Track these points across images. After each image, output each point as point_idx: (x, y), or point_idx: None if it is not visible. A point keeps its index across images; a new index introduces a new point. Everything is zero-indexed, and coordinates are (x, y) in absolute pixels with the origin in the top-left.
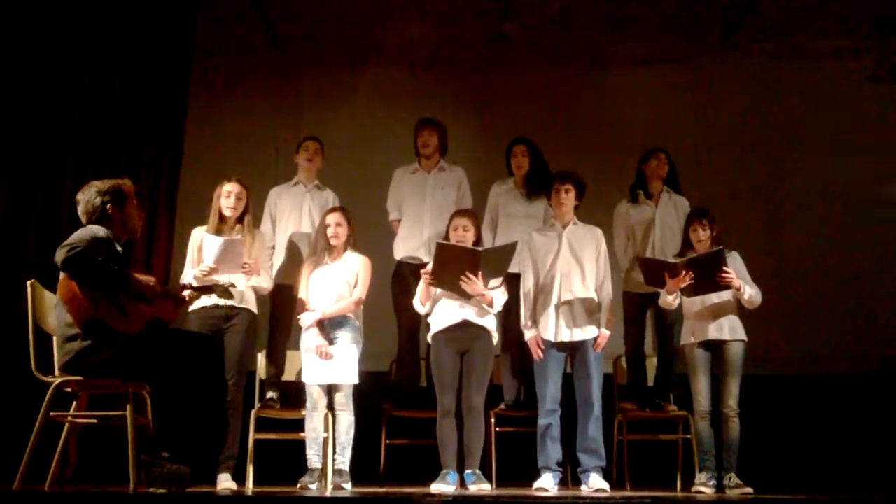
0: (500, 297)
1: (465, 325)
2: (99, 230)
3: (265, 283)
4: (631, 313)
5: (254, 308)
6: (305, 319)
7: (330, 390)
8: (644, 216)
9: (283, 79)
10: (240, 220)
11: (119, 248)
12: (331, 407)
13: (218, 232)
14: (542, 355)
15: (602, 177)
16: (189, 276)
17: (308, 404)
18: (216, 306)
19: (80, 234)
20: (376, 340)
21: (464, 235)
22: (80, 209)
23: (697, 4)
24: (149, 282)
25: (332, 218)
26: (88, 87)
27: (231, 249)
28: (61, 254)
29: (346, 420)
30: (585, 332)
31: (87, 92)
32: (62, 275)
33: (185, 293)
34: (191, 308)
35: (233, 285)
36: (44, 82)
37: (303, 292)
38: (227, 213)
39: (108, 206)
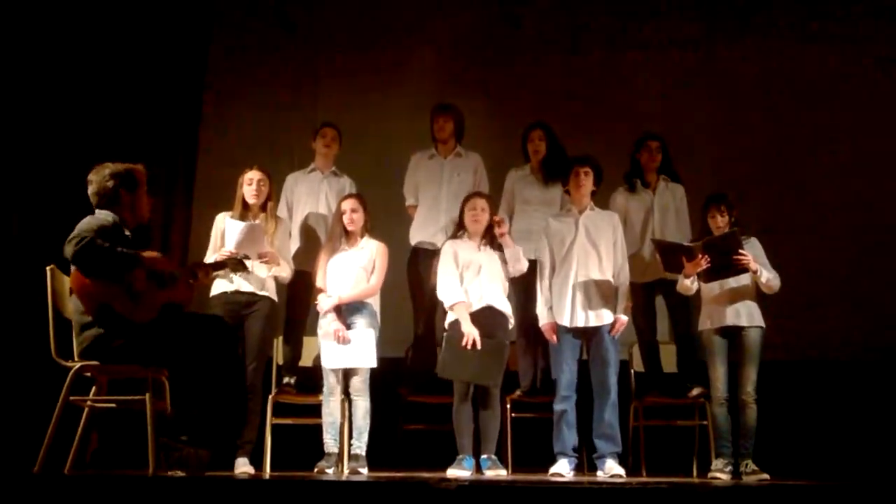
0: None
1: (483, 312)
2: (107, 217)
3: (285, 272)
4: (639, 304)
5: (274, 296)
6: (323, 304)
7: (347, 375)
8: (642, 205)
9: (300, 65)
10: (263, 207)
11: (128, 234)
12: (347, 392)
13: (242, 219)
14: (556, 341)
15: (619, 162)
16: (210, 260)
17: (325, 389)
18: (237, 292)
19: (86, 225)
20: (392, 326)
21: (480, 216)
22: (92, 190)
23: None
24: (156, 259)
25: (348, 204)
26: (107, 76)
27: (252, 234)
28: (69, 248)
29: (363, 405)
30: (601, 318)
31: (106, 80)
32: (74, 266)
33: (198, 273)
34: (211, 294)
35: (247, 257)
36: (63, 68)
37: (320, 278)
38: (251, 200)
39: (121, 191)
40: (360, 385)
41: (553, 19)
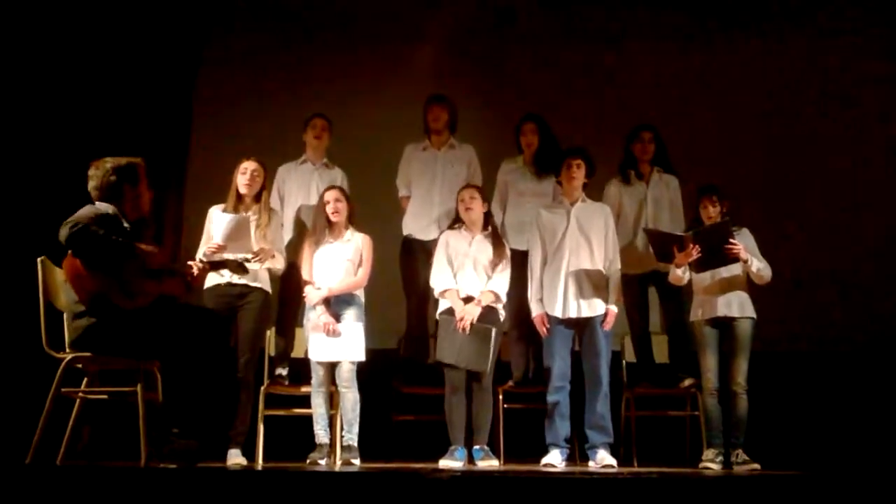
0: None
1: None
2: (107, 208)
3: (279, 264)
4: (631, 295)
5: (267, 287)
6: (312, 296)
7: (335, 367)
8: (635, 197)
9: (291, 56)
10: (257, 198)
11: (126, 226)
12: (335, 384)
13: (235, 210)
14: (546, 333)
15: (613, 154)
16: (200, 253)
17: (314, 381)
18: (230, 284)
19: (84, 212)
20: (382, 318)
21: (470, 204)
22: (93, 184)
23: None
24: (152, 252)
25: (332, 195)
26: (99, 70)
27: (240, 227)
28: (64, 231)
29: (351, 397)
30: (593, 309)
31: (98, 74)
32: (68, 252)
33: (194, 269)
34: (205, 286)
35: (247, 260)
36: (54, 62)
37: (305, 271)
38: (243, 190)
39: (124, 185)
40: (347, 377)
41: (546, 11)
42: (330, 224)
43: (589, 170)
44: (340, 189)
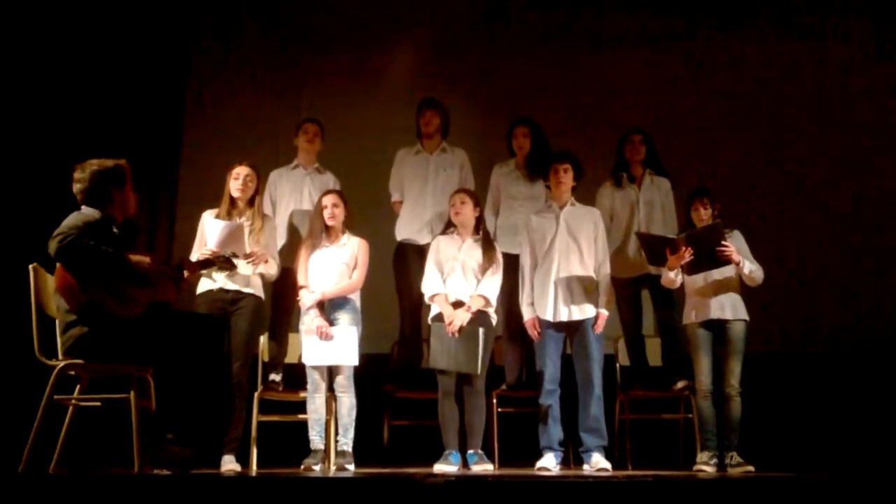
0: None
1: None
2: (93, 213)
3: (272, 269)
4: (625, 299)
5: (260, 293)
6: (306, 300)
7: (331, 372)
8: (628, 199)
9: (283, 61)
10: (250, 203)
11: (115, 230)
12: (332, 389)
13: (228, 215)
14: (538, 337)
15: (603, 156)
16: (194, 259)
17: (309, 386)
18: (223, 290)
19: (71, 221)
20: (377, 322)
21: (460, 209)
22: (78, 187)
23: None
24: (143, 261)
25: (329, 199)
26: (89, 75)
27: (233, 233)
28: (53, 244)
29: (348, 402)
30: (583, 312)
31: (89, 79)
32: (58, 263)
33: (185, 272)
34: (197, 291)
35: (234, 255)
36: (45, 66)
37: (301, 275)
38: (236, 195)
39: (111, 188)
40: (344, 382)
41: (537, 15)
42: (326, 228)
43: (576, 174)
44: (338, 193)
